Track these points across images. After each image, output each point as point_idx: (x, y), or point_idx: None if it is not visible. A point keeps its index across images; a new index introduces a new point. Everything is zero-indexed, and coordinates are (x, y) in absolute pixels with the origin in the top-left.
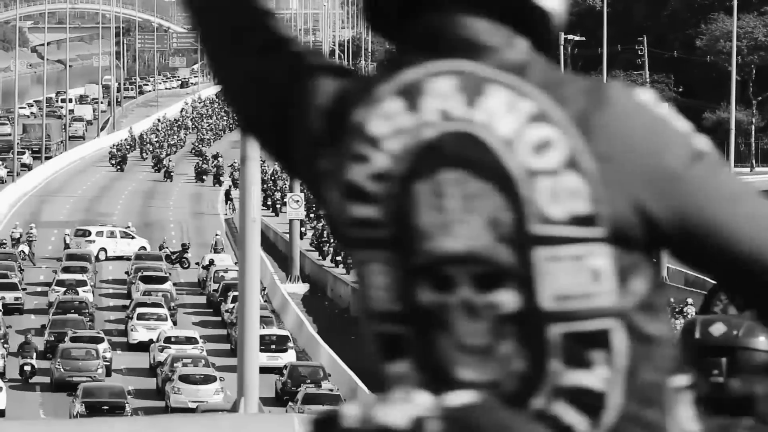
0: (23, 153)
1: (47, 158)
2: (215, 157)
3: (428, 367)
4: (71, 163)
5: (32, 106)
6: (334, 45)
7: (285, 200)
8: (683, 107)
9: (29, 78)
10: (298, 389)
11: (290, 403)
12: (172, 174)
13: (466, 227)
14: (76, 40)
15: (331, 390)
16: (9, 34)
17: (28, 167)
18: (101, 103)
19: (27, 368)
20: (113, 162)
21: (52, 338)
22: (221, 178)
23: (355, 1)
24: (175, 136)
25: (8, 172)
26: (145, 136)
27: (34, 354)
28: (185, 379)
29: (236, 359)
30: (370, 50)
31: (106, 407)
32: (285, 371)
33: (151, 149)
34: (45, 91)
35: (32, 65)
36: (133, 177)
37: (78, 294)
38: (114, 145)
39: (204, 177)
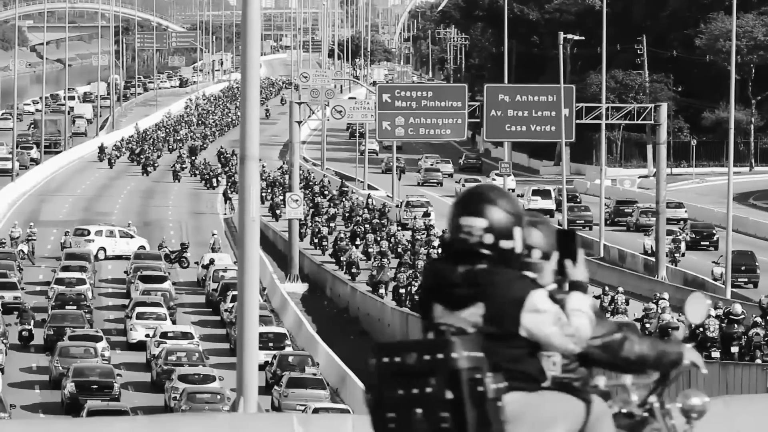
0: (31, 148)
1: (56, 153)
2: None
3: None
4: (70, 162)
5: (37, 102)
6: (333, 44)
7: (268, 189)
8: (682, 106)
9: (28, 77)
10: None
11: (275, 387)
12: (179, 175)
13: None
14: (76, 39)
15: (315, 374)
16: (8, 33)
17: (36, 162)
18: (106, 99)
19: (25, 333)
20: (101, 156)
21: (51, 332)
22: (214, 180)
23: (353, 0)
24: (181, 132)
25: (20, 165)
26: (149, 132)
27: (32, 321)
28: (184, 378)
29: (235, 359)
30: (369, 49)
31: (95, 386)
32: (274, 361)
33: (153, 144)
34: (44, 90)
35: (31, 64)
36: (132, 176)
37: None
38: (120, 140)
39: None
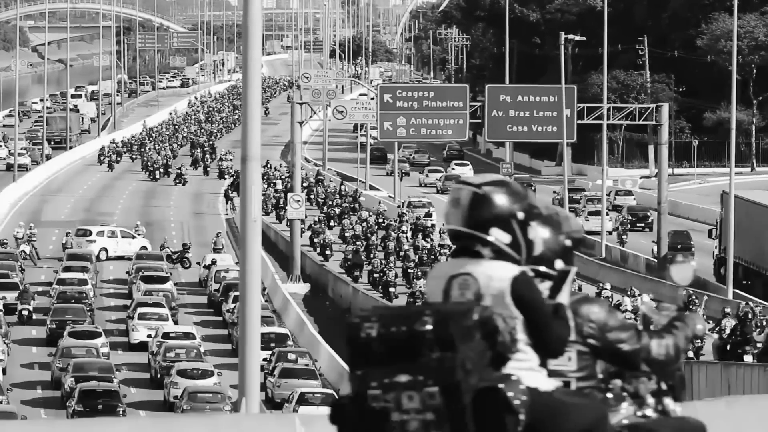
0: (41, 144)
1: (65, 149)
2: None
3: None
4: (72, 162)
5: (44, 100)
6: (335, 44)
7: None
8: (684, 107)
9: (30, 77)
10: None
11: (269, 378)
12: (185, 177)
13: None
14: (77, 39)
15: (307, 365)
16: (9, 34)
17: (48, 157)
18: (107, 96)
19: (25, 312)
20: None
21: (54, 326)
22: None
23: (355, 0)
24: (185, 130)
25: (32, 161)
26: (155, 129)
27: (32, 300)
28: (182, 373)
29: (237, 359)
30: (370, 50)
31: (94, 381)
32: (273, 358)
33: (160, 142)
34: (45, 90)
35: (33, 65)
36: (133, 176)
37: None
38: (124, 139)
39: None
